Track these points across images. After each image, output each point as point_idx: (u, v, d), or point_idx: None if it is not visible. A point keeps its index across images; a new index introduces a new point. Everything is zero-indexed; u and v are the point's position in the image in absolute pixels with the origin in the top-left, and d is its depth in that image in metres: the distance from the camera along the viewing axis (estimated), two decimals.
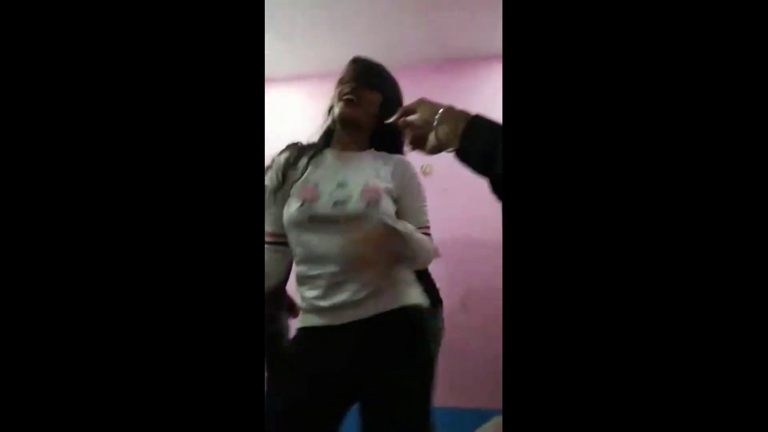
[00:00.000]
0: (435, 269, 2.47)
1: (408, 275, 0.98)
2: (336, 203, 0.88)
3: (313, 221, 0.88)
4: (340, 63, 1.02)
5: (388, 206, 0.92)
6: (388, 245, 0.83)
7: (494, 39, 2.60)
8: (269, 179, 0.96)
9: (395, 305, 0.91)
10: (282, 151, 1.00)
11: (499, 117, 0.61)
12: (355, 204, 0.88)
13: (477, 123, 0.65)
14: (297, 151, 0.98)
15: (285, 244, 0.95)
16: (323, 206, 0.88)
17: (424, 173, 2.69)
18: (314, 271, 0.89)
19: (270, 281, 0.94)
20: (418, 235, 0.92)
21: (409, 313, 0.92)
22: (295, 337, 0.96)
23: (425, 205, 1.02)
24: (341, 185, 0.91)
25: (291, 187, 0.92)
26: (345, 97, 0.93)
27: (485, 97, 2.73)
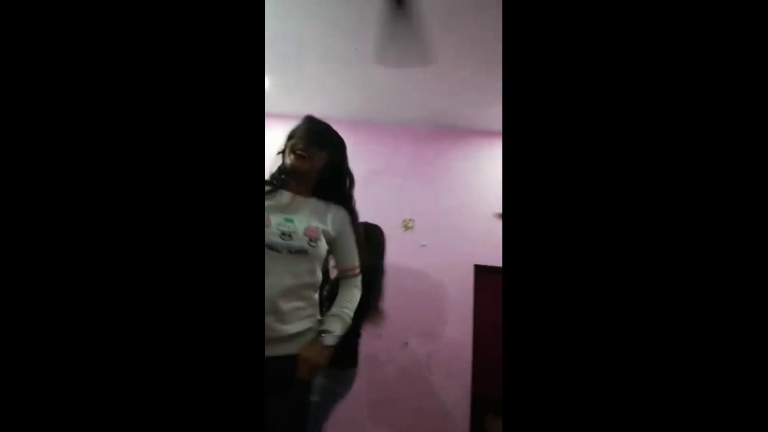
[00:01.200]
0: (404, 318, 2.52)
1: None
2: (282, 234, 1.03)
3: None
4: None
5: (323, 246, 1.09)
6: (323, 357, 1.05)
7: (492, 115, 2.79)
8: None
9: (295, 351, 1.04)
10: None
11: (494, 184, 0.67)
12: (299, 239, 1.04)
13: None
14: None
15: None
16: (272, 234, 1.02)
17: (406, 228, 2.78)
18: None
19: None
20: (345, 323, 1.12)
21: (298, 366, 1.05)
22: None
23: (355, 248, 1.19)
24: (288, 220, 1.06)
25: None
26: (297, 152, 1.08)
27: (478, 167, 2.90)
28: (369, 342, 2.41)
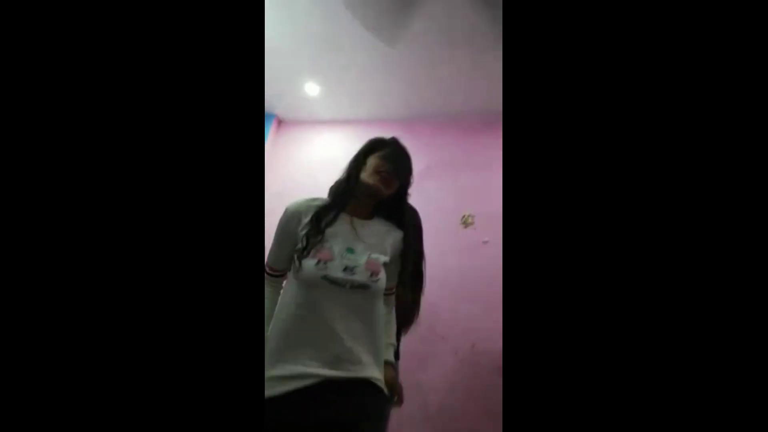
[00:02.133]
0: (471, 326, 2.42)
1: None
2: (346, 268, 0.98)
3: (325, 280, 0.97)
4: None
5: (383, 278, 1.04)
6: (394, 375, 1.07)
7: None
8: (286, 223, 1.07)
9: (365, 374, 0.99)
10: (299, 203, 1.10)
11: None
12: (361, 274, 0.99)
13: None
14: (315, 209, 1.08)
15: (280, 278, 1.10)
16: (335, 268, 0.98)
17: (465, 224, 2.68)
18: (310, 330, 0.96)
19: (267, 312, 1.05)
20: (394, 348, 1.14)
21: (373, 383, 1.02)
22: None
23: (398, 271, 1.15)
24: (350, 251, 1.02)
25: (304, 240, 1.02)
26: (385, 175, 1.06)
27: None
28: (437, 345, 2.35)
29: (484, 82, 2.53)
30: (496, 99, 2.68)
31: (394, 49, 2.29)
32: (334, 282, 0.97)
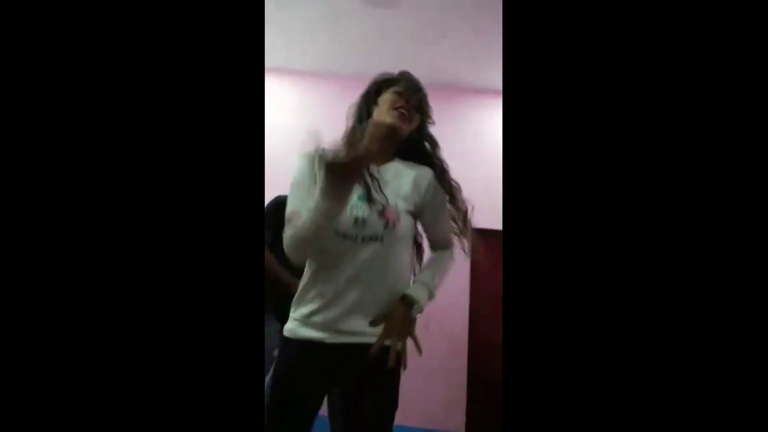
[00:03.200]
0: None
1: None
2: (356, 220, 0.90)
3: (336, 236, 0.90)
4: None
5: (405, 226, 0.94)
6: (408, 327, 0.93)
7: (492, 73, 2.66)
8: (300, 175, 0.97)
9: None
10: (317, 152, 0.97)
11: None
12: (373, 225, 0.91)
13: None
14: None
15: None
16: (345, 221, 0.90)
17: None
18: (324, 285, 0.92)
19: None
20: (431, 295, 0.99)
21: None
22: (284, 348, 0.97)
23: (448, 218, 1.03)
24: (360, 198, 0.92)
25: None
26: (401, 110, 0.95)
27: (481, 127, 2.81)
28: None
29: (479, 55, 2.50)
30: (448, 69, 2.69)
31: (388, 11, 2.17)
32: (344, 236, 0.90)
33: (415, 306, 0.94)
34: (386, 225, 0.91)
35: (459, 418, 2.53)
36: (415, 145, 1.03)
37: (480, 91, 2.87)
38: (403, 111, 0.95)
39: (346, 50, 2.68)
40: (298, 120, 2.84)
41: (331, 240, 0.90)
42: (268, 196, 1.50)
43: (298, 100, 2.97)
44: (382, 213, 0.91)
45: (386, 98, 0.98)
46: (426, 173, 1.01)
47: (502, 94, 0.57)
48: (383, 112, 0.97)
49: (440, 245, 1.06)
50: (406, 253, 0.97)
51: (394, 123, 0.95)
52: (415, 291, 0.96)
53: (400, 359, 0.91)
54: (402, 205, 0.95)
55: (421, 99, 1.00)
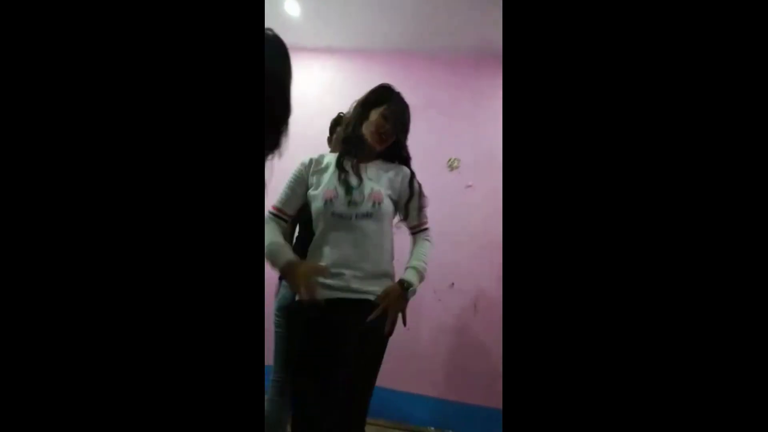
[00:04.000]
0: (449, 264, 2.43)
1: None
2: (350, 203, 1.17)
3: (334, 216, 1.17)
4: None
5: (387, 205, 1.22)
6: (401, 301, 1.18)
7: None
8: (299, 172, 1.25)
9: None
10: (311, 158, 1.28)
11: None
12: (364, 205, 1.18)
13: None
14: (322, 158, 1.29)
15: (285, 221, 1.26)
16: (341, 204, 1.17)
17: (451, 168, 2.61)
18: (331, 252, 1.17)
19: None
20: (422, 276, 1.24)
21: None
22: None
23: (423, 206, 1.32)
24: (353, 188, 1.19)
25: (314, 185, 1.23)
26: (383, 136, 1.23)
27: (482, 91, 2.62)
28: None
29: (480, 18, 2.38)
30: (490, 38, 2.51)
31: None
32: (341, 216, 1.16)
33: (411, 288, 1.19)
34: (374, 204, 1.18)
35: (497, 394, 2.48)
36: (395, 151, 1.31)
37: (476, 60, 2.66)
38: (383, 136, 1.23)
39: (379, 24, 2.58)
40: (329, 96, 2.76)
41: (331, 220, 1.17)
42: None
43: (333, 76, 2.88)
44: (370, 196, 1.19)
45: (374, 120, 1.23)
46: (402, 170, 1.30)
47: (503, 67, 0.58)
48: (369, 131, 1.23)
49: (417, 227, 1.33)
50: (389, 226, 1.25)
51: (374, 145, 1.24)
52: (410, 276, 1.21)
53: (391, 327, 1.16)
54: (385, 191, 1.22)
55: (403, 124, 1.26)
